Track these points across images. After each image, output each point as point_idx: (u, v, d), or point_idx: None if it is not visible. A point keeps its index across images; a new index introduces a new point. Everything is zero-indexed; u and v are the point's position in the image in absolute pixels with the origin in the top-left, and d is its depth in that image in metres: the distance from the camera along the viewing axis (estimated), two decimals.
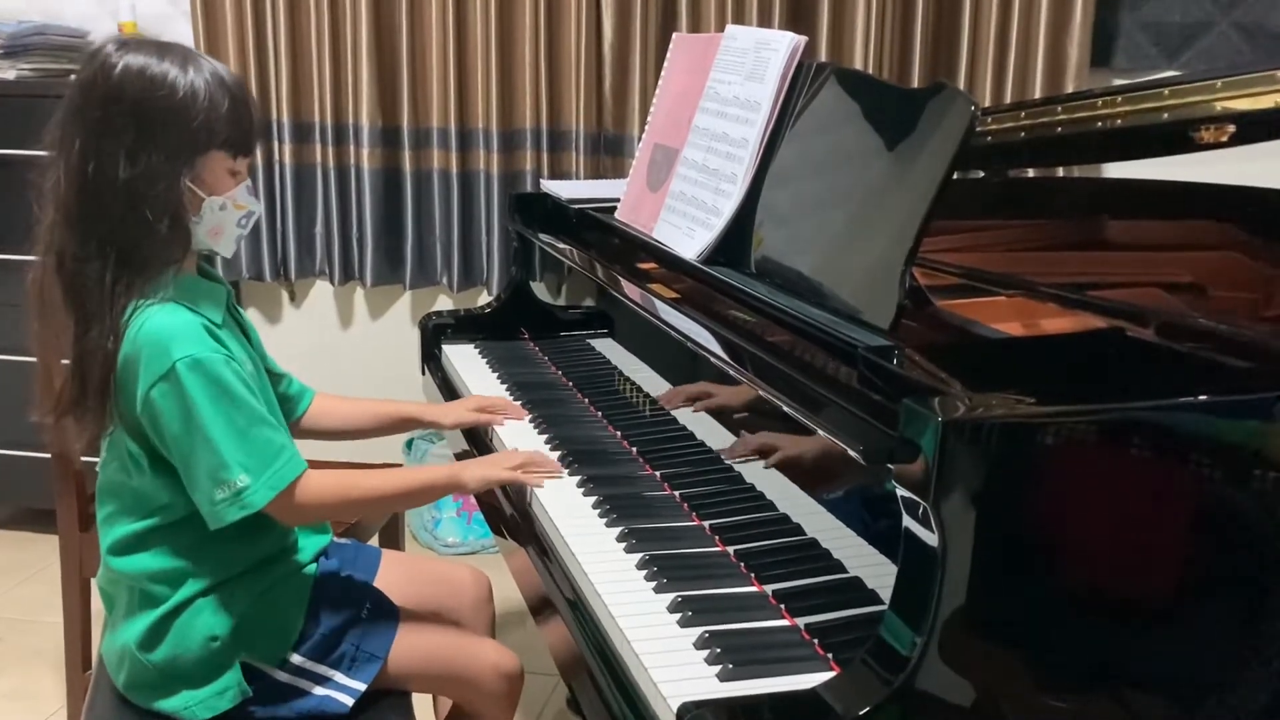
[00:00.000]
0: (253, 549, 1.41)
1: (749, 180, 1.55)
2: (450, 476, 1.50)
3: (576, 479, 1.51)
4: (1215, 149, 1.56)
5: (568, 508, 1.43)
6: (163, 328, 1.30)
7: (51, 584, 2.17)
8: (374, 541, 2.08)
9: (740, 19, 2.67)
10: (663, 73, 1.89)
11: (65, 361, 1.37)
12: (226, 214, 1.37)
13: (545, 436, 1.67)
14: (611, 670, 1.14)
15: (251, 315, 3.18)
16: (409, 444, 3.07)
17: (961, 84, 2.63)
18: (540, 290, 2.16)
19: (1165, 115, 1.52)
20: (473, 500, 2.83)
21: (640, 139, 1.93)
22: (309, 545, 1.50)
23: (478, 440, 1.77)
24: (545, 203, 2.14)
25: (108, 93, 1.30)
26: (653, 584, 1.24)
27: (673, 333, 1.47)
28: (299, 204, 3.04)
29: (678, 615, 1.17)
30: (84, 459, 1.90)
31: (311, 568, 1.48)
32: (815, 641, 1.13)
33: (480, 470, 1.51)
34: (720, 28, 2.61)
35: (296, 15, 2.91)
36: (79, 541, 2.00)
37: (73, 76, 1.36)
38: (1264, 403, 1.04)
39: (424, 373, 2.16)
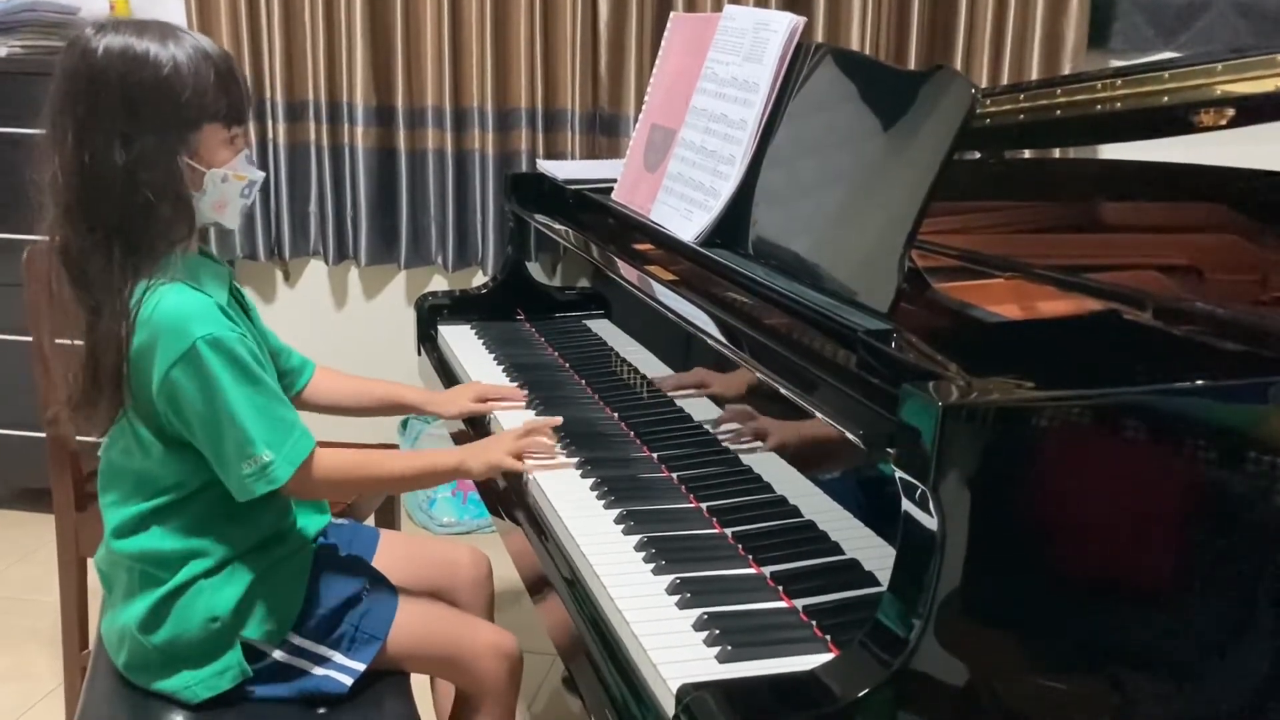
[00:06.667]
0: (254, 530, 1.41)
1: (747, 162, 1.55)
2: (457, 464, 1.50)
3: (574, 461, 1.51)
4: (1215, 131, 1.56)
5: (566, 490, 1.44)
6: (178, 307, 1.30)
7: (47, 563, 2.17)
8: (370, 521, 2.08)
9: None
10: (660, 52, 1.88)
11: (63, 341, 1.37)
12: (229, 186, 1.37)
13: (542, 419, 1.67)
14: (610, 651, 1.15)
15: (247, 295, 3.17)
16: (404, 423, 3.07)
17: (958, 65, 2.62)
18: (536, 271, 2.15)
19: (1165, 99, 1.52)
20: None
21: (637, 119, 1.92)
22: (309, 526, 1.51)
23: (476, 423, 1.77)
24: (542, 183, 2.14)
25: (93, 79, 1.29)
26: (651, 566, 1.24)
27: (670, 315, 1.47)
28: (293, 183, 3.02)
29: (676, 597, 1.17)
30: (80, 438, 1.90)
31: (311, 548, 1.49)
32: (813, 623, 1.13)
33: (486, 457, 1.50)
34: (717, 7, 2.61)
35: None
36: (75, 521, 1.99)
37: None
38: (1260, 386, 1.05)
39: (420, 353, 2.16)
